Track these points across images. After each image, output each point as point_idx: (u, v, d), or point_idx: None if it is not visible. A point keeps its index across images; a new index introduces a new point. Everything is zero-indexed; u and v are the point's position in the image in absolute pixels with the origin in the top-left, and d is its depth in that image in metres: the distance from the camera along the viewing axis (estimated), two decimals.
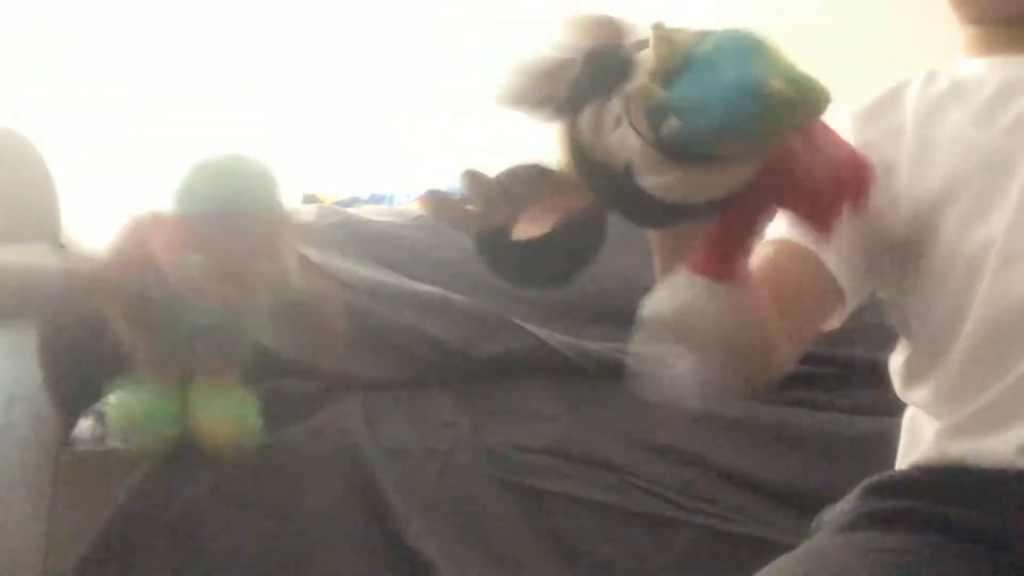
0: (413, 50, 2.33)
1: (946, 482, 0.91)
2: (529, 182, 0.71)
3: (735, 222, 0.71)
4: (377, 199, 2.12)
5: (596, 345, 1.51)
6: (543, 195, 0.71)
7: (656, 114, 0.62)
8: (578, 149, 0.67)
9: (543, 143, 0.71)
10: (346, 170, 2.33)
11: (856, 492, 0.98)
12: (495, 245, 0.72)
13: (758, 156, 0.65)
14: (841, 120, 0.80)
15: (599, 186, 0.67)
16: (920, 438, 0.98)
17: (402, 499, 1.38)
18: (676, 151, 0.62)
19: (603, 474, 1.41)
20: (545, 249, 0.71)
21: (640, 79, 0.63)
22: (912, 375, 1.00)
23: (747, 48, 0.62)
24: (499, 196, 0.71)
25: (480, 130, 2.27)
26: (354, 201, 2.09)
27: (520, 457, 1.44)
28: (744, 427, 1.44)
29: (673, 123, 0.61)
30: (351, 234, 1.69)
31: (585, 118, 0.66)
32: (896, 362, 1.02)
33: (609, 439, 1.44)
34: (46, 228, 1.53)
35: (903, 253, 0.96)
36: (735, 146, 0.62)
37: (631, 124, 0.62)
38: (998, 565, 0.86)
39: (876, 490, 0.96)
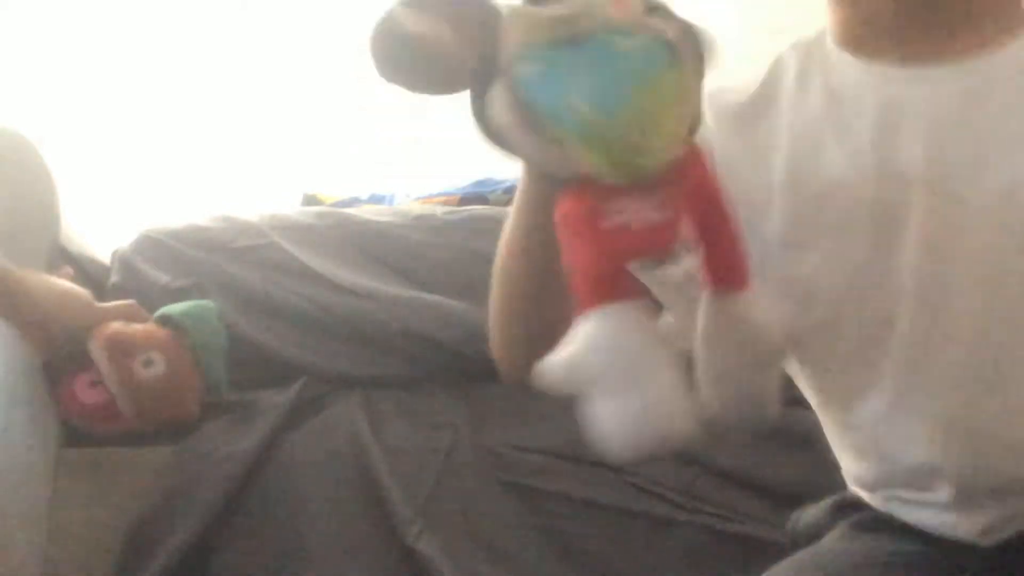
0: None
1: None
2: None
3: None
4: (377, 199, 2.12)
5: None
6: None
7: (516, 61, 0.62)
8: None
9: None
10: (346, 170, 2.33)
11: (828, 505, 0.97)
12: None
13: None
14: (706, 117, 0.67)
15: (473, 76, 0.66)
16: None
17: (403, 499, 1.38)
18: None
19: (603, 474, 1.41)
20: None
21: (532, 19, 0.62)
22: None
23: (631, 65, 0.60)
24: None
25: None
26: (354, 201, 2.10)
27: (520, 457, 1.44)
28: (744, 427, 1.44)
29: (520, 77, 0.61)
30: (351, 235, 1.69)
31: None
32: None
33: None
34: (46, 228, 1.53)
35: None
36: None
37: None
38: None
39: (849, 505, 0.96)
